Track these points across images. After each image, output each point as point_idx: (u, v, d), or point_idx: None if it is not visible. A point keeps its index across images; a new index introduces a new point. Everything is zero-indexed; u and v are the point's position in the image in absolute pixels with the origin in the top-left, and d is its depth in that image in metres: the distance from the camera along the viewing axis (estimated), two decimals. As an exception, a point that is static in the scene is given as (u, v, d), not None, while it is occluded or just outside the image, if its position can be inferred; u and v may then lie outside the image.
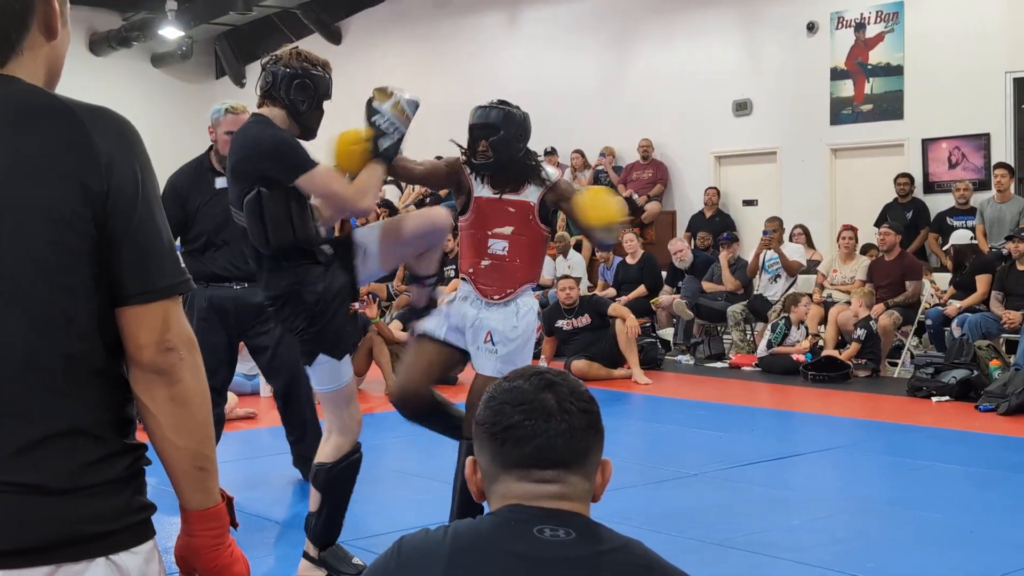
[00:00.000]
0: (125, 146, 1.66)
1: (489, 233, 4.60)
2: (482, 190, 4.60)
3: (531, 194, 4.60)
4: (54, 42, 1.73)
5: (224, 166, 4.73)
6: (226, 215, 4.56)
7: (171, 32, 18.99)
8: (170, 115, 20.07)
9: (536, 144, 4.80)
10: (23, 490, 1.60)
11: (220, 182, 5.42)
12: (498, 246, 4.60)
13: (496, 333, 4.58)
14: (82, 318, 1.64)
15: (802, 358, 10.09)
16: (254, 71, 20.78)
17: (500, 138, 4.52)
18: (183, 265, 1.73)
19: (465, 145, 4.65)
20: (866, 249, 11.22)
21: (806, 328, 10.46)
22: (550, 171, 4.69)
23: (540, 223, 4.63)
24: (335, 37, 19.00)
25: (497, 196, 4.59)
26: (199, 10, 18.79)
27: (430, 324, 4.68)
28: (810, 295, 10.94)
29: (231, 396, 8.17)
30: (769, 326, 10.76)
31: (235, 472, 6.28)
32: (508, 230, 4.60)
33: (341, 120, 4.44)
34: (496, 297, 4.61)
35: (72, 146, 1.61)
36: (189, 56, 20.27)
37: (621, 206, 4.68)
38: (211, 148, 5.72)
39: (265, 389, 9.08)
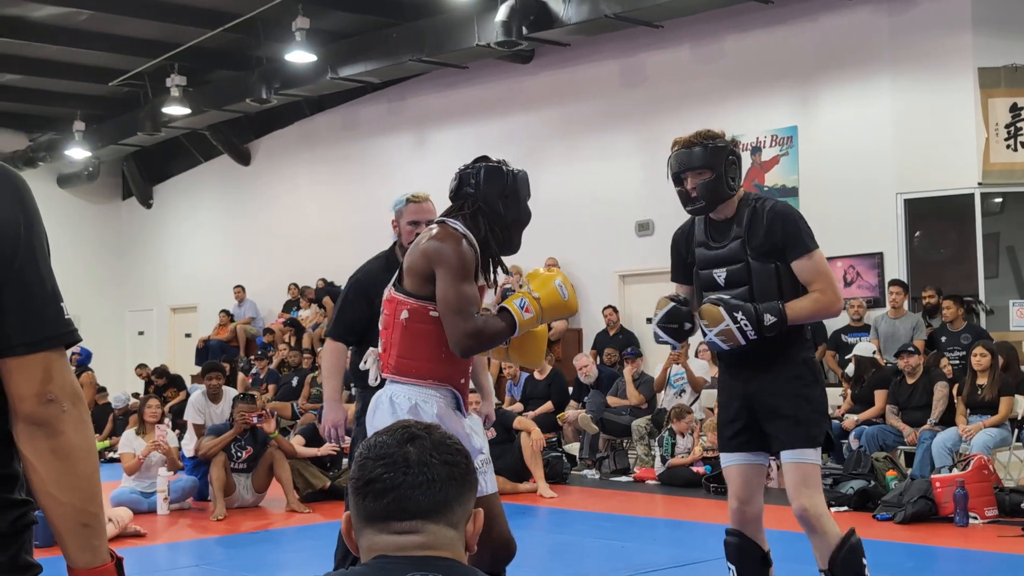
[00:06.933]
0: (7, 192, 1.66)
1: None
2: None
3: None
4: None
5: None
6: None
7: (78, 152, 18.95)
8: (76, 237, 19.89)
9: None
10: None
11: None
12: None
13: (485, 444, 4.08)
14: None
15: (702, 470, 10.17)
16: (161, 192, 21.02)
17: None
18: (68, 316, 1.70)
19: None
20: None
21: (692, 438, 10.59)
22: None
23: None
24: (244, 159, 19.06)
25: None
26: (107, 131, 18.80)
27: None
28: (712, 408, 11.06)
29: (125, 511, 7.97)
30: (656, 441, 10.85)
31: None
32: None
33: (249, 236, 4.19)
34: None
35: None
36: (96, 177, 20.19)
37: None
38: (395, 243, 5.21)
39: (163, 507, 8.88)
